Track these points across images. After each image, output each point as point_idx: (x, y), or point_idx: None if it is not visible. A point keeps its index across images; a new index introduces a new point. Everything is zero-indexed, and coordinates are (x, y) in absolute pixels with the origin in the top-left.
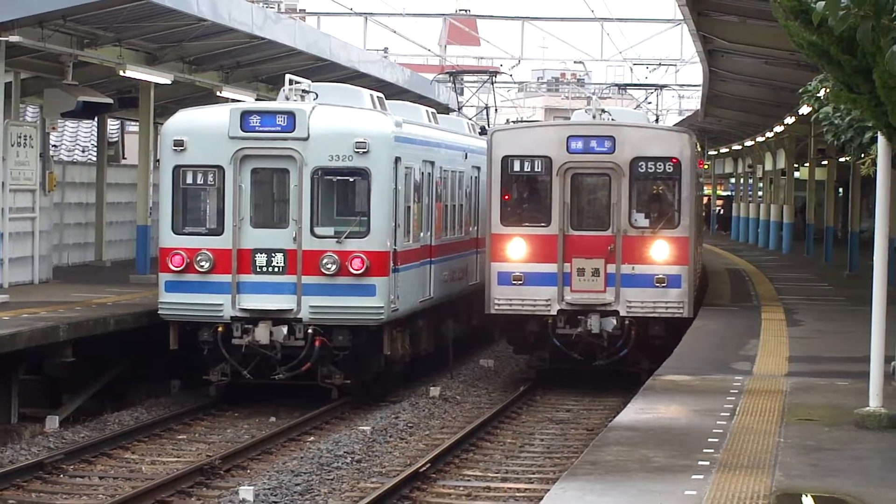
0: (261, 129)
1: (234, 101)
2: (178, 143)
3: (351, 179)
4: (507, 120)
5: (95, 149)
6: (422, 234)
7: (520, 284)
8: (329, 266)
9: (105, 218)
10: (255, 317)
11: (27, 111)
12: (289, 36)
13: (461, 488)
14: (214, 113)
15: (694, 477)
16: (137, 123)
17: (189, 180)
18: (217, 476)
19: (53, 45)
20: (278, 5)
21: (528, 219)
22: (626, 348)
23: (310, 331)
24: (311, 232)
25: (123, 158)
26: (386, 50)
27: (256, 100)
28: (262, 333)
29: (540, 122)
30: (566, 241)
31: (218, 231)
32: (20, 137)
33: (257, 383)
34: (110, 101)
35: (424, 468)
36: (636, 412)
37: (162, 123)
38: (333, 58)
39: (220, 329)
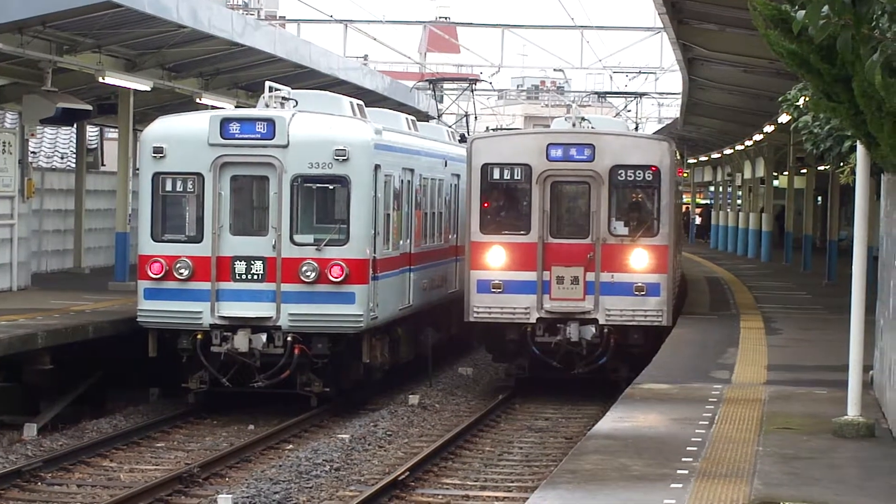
0: (240, 136)
1: (213, 108)
2: (158, 150)
3: (331, 187)
4: (487, 128)
5: (74, 155)
6: (401, 242)
7: (499, 292)
8: (308, 274)
9: (84, 225)
10: (235, 324)
11: (6, 117)
12: (269, 43)
13: (440, 497)
14: (194, 120)
15: (673, 485)
16: (117, 130)
17: (168, 187)
18: (195, 484)
19: (32, 51)
20: (258, 12)
21: (508, 227)
22: (605, 356)
23: (289, 338)
24: (291, 239)
25: (102, 165)
26: (366, 57)
27: (236, 107)
28: (241, 341)
29: (520, 130)
30: (545, 249)
31: (197, 238)
32: None
33: (236, 391)
34: (89, 107)
35: (403, 476)
36: (615, 420)
37: (141, 130)
38: (313, 65)
39: (199, 336)
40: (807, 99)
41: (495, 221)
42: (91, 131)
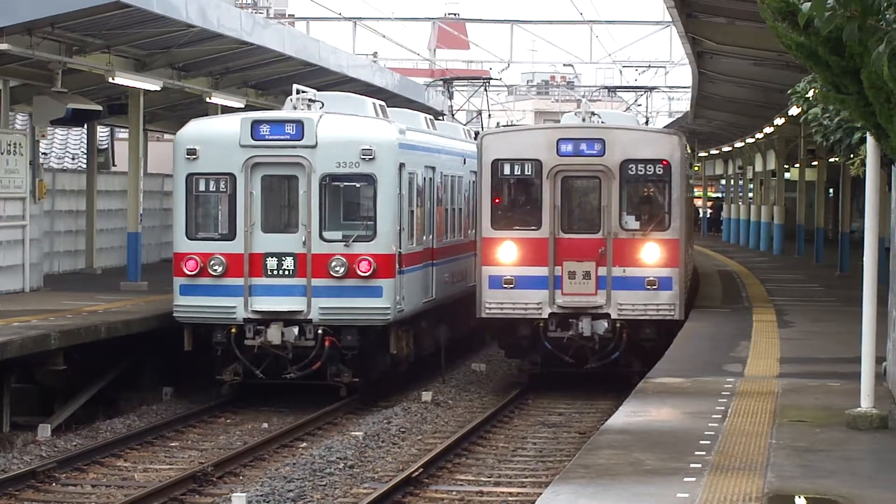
0: (270, 137)
1: (224, 107)
2: (191, 152)
3: (357, 185)
4: (497, 123)
5: (85, 156)
6: (424, 238)
7: (511, 288)
8: (337, 269)
9: (95, 225)
10: (267, 318)
11: (16, 119)
12: (278, 41)
13: (454, 493)
14: (225, 122)
15: (686, 479)
16: (127, 130)
17: (202, 187)
18: (209, 483)
19: (42, 52)
20: (267, 11)
21: (519, 222)
22: (617, 351)
23: (319, 331)
24: (320, 236)
25: (113, 165)
26: (375, 54)
27: (246, 105)
28: (273, 334)
29: (530, 126)
30: (557, 244)
31: (230, 236)
32: (10, 145)
33: (268, 382)
34: (100, 108)
35: (417, 473)
36: (628, 415)
37: (151, 130)
38: (322, 63)
39: (233, 330)
40: (816, 91)
41: (506, 217)
42: (101, 132)
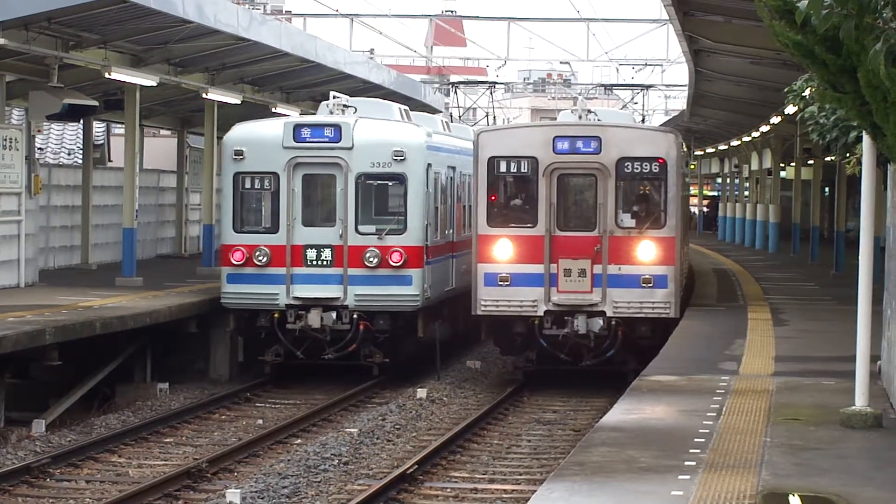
0: (311, 139)
1: (220, 103)
2: (238, 153)
3: (390, 183)
4: (494, 118)
5: (81, 151)
6: (447, 231)
7: (506, 285)
8: (371, 259)
9: (91, 221)
10: (307, 304)
11: (12, 114)
12: (274, 37)
13: (448, 490)
14: (269, 126)
15: (680, 477)
16: (123, 126)
17: (247, 185)
18: (204, 479)
19: (38, 47)
20: (264, 7)
21: (515, 220)
22: (612, 349)
23: (355, 316)
24: (356, 229)
25: (109, 161)
26: (372, 51)
27: (243, 101)
28: (313, 318)
29: (526, 123)
30: (552, 241)
31: (273, 229)
32: (5, 140)
33: (308, 363)
34: (96, 103)
35: (411, 470)
36: (623, 413)
37: (147, 125)
38: (319, 59)
39: (275, 315)
40: (812, 90)
41: (502, 214)
42: (98, 127)
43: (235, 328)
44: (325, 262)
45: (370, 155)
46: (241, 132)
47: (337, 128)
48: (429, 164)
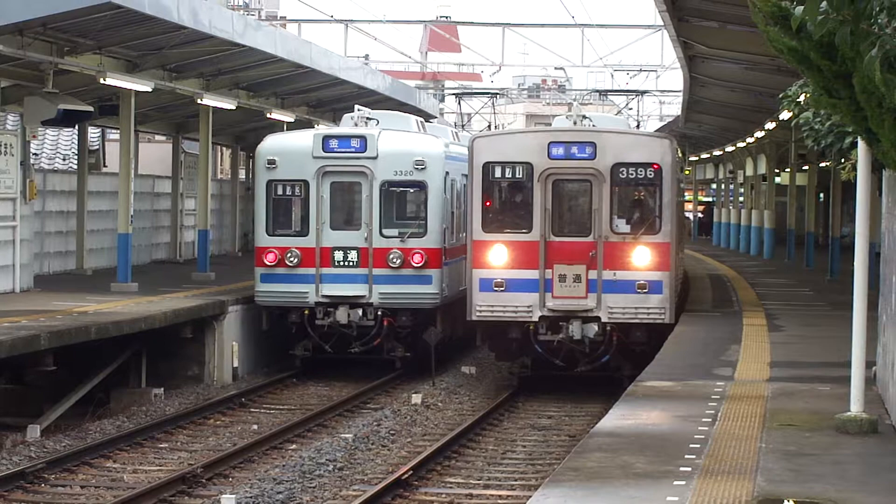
0: (338, 150)
1: (215, 108)
2: (271, 162)
3: (411, 190)
4: (488, 125)
5: (76, 157)
6: (461, 235)
7: (501, 291)
8: (394, 260)
9: (86, 226)
10: (335, 302)
11: (7, 119)
12: (269, 43)
13: (443, 495)
14: (300, 137)
15: (676, 483)
16: (118, 131)
17: (279, 192)
18: (199, 484)
19: (33, 53)
20: (259, 12)
21: (510, 225)
22: (607, 354)
23: (379, 313)
24: (380, 233)
25: (104, 166)
26: (367, 57)
27: (237, 107)
28: (341, 315)
29: (521, 129)
30: (547, 247)
31: (304, 233)
32: (0, 146)
33: (336, 357)
34: (91, 108)
35: (406, 475)
36: (618, 418)
37: (142, 131)
38: (314, 65)
39: (305, 312)
40: (807, 95)
41: (497, 220)
42: (93, 132)
43: (269, 324)
44: (351, 263)
45: (393, 164)
46: (274, 143)
47: (363, 139)
48: (446, 172)
